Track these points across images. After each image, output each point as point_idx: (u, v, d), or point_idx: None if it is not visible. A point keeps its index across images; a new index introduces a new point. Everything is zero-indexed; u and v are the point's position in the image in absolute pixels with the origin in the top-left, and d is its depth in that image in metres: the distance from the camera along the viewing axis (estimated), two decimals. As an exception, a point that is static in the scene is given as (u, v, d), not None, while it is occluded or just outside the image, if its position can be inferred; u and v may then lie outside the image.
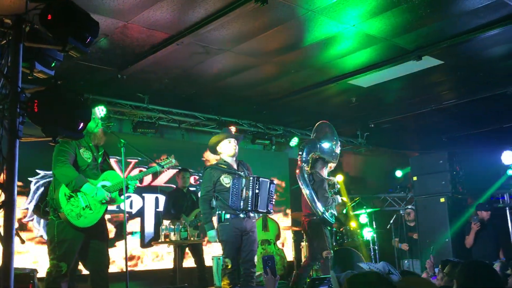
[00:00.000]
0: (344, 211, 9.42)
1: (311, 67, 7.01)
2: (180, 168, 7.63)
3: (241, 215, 5.40)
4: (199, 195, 6.14)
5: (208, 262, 7.64)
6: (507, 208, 9.40)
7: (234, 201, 5.33)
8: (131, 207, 8.24)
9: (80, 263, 4.89)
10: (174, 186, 8.27)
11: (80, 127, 2.86)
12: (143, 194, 8.47)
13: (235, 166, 5.63)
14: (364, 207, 9.34)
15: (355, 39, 6.05)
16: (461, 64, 7.04)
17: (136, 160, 8.18)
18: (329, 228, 6.69)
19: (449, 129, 10.63)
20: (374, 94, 8.29)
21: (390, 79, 7.47)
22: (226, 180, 5.44)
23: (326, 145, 6.76)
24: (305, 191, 6.43)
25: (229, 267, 5.27)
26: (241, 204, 5.33)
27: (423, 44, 6.27)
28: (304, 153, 6.65)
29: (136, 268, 8.07)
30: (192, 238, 6.80)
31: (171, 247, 7.32)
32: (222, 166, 5.55)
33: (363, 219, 9.53)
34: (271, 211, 5.73)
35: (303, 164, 6.58)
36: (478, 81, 7.78)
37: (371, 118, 9.83)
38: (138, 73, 6.84)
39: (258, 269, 7.95)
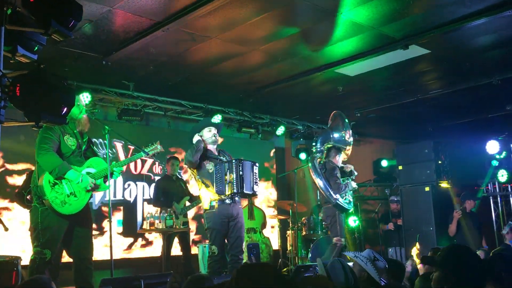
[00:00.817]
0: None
1: (298, 56, 6.98)
2: (163, 156, 7.61)
3: (227, 201, 5.40)
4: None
5: (193, 250, 7.65)
6: (490, 197, 9.54)
7: (219, 186, 5.32)
8: (130, 195, 8.22)
9: (64, 251, 4.85)
10: (151, 175, 8.26)
11: (63, 111, 2.81)
12: (136, 182, 8.44)
13: (215, 153, 5.67)
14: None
15: (342, 27, 6.03)
16: (448, 54, 7.05)
17: (132, 148, 8.11)
18: (344, 214, 6.76)
19: (435, 118, 10.68)
20: (361, 83, 8.29)
21: (377, 68, 7.46)
22: (208, 166, 5.50)
23: (336, 134, 6.85)
24: (318, 181, 6.52)
25: (216, 254, 5.29)
26: (226, 188, 5.30)
27: (410, 33, 6.26)
28: (318, 144, 6.78)
29: (125, 256, 8.03)
30: (177, 226, 6.78)
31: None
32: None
33: (349, 208, 9.57)
34: (257, 192, 5.71)
35: (316, 155, 6.68)
36: (464, 71, 7.80)
37: (358, 108, 9.83)
38: (123, 60, 6.75)
39: (244, 257, 8.00)
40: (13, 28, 2.96)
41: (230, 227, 5.43)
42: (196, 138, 5.64)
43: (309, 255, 7.95)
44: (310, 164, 6.71)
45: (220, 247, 5.34)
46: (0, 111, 2.74)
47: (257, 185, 5.60)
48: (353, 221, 9.14)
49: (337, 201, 6.39)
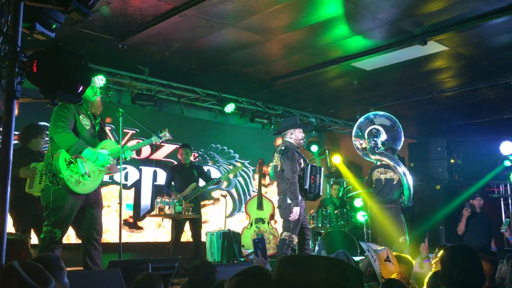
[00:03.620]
0: (340, 194, 9.42)
1: (314, 47, 6.92)
2: (180, 144, 7.63)
3: (305, 198, 6.04)
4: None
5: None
6: (501, 198, 9.45)
7: (309, 184, 5.97)
8: (126, 179, 8.20)
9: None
10: (174, 162, 8.25)
11: (79, 90, 2.80)
12: (140, 167, 8.44)
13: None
14: (360, 191, 9.32)
15: (361, 20, 5.96)
16: (466, 52, 6.96)
17: (134, 132, 8.13)
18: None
19: (449, 117, 10.59)
20: (376, 78, 8.22)
21: (393, 63, 7.39)
22: (302, 165, 6.02)
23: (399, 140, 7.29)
24: (401, 171, 6.82)
25: (294, 242, 5.87)
26: (315, 188, 6.02)
27: (429, 29, 6.19)
28: (378, 140, 6.99)
29: (133, 240, 8.07)
30: (187, 213, 6.79)
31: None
32: (297, 150, 6.10)
33: (358, 203, 9.52)
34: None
35: (376, 147, 6.94)
36: (481, 70, 7.71)
37: (371, 102, 9.76)
38: (139, 44, 6.74)
39: (251, 247, 8.01)
40: (32, 4, 2.95)
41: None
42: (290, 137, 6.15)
43: (316, 247, 7.93)
44: (388, 158, 6.86)
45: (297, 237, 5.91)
46: (16, 87, 2.74)
47: None
48: (362, 216, 9.09)
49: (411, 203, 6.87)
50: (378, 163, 7.16)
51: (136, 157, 8.28)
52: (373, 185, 7.27)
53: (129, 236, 8.04)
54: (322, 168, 6.31)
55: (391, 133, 7.24)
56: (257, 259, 3.51)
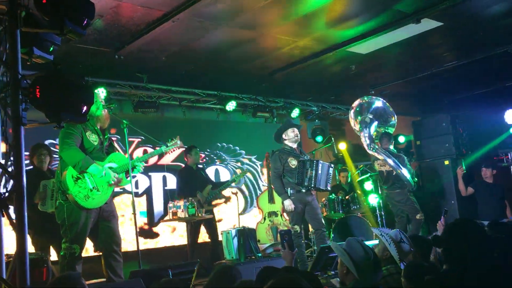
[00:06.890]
0: (349, 180, 9.45)
1: (309, 37, 6.93)
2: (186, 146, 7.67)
3: (303, 190, 6.38)
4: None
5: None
6: (511, 166, 9.43)
7: (299, 179, 6.33)
8: (137, 187, 8.25)
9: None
10: (182, 165, 8.26)
11: (83, 110, 2.85)
12: (150, 174, 8.48)
13: (297, 151, 6.62)
14: (369, 173, 9.34)
15: (353, 5, 5.97)
16: (461, 25, 6.94)
17: (139, 139, 8.18)
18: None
19: (451, 91, 10.57)
20: (374, 61, 8.21)
21: (389, 44, 7.39)
22: (293, 162, 6.43)
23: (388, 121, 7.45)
24: (403, 172, 7.14)
25: (298, 231, 6.31)
26: (306, 181, 6.32)
27: (422, 7, 6.18)
28: (369, 130, 7.09)
29: (150, 246, 8.14)
30: (199, 215, 6.85)
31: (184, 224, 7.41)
32: (288, 150, 6.54)
33: (368, 186, 9.54)
34: (329, 189, 7.01)
35: (370, 141, 7.08)
36: (478, 41, 7.69)
37: (371, 85, 9.76)
38: (136, 53, 6.78)
39: (267, 241, 8.05)
40: (28, 30, 3.00)
41: (306, 210, 6.41)
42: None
43: (332, 235, 7.98)
44: (372, 150, 6.99)
45: (300, 226, 6.37)
46: (22, 113, 2.79)
47: (329, 183, 6.68)
48: (374, 199, 9.12)
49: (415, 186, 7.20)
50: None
51: (145, 164, 8.32)
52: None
53: (145, 243, 8.10)
54: (321, 162, 6.51)
55: (382, 117, 7.34)
56: (283, 251, 3.56)
